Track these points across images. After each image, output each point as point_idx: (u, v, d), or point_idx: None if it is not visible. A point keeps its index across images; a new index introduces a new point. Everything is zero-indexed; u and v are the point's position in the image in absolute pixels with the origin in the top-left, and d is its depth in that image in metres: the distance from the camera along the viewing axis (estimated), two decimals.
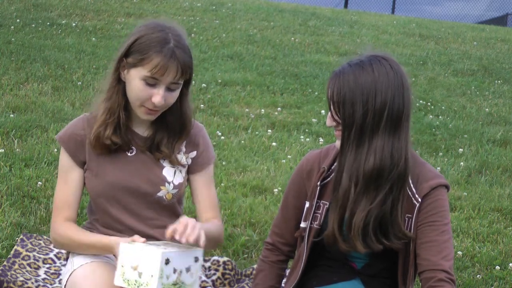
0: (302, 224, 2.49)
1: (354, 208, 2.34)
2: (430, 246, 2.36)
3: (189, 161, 2.67)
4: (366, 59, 2.35)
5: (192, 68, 2.51)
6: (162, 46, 2.43)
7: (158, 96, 2.44)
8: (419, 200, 2.38)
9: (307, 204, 2.48)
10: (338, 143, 2.39)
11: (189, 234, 2.25)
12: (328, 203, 2.45)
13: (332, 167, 2.47)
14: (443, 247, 2.36)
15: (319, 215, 2.46)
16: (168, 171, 2.61)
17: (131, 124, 2.59)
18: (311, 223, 2.46)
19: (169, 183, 2.61)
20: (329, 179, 2.46)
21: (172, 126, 2.58)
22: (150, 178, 2.59)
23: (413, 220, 2.38)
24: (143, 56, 2.42)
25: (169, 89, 2.47)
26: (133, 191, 2.58)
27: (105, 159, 2.56)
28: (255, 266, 3.25)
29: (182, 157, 2.65)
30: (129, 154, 2.58)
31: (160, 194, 2.60)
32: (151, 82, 2.44)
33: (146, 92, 2.44)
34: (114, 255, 2.48)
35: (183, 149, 2.65)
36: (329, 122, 2.38)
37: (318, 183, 2.45)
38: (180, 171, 2.64)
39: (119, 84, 2.51)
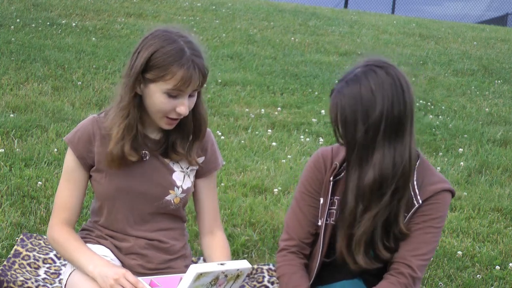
0: (320, 222, 2.49)
1: (360, 224, 2.34)
2: (408, 242, 2.39)
3: (197, 165, 2.67)
4: (361, 73, 2.31)
5: (208, 70, 2.50)
6: (180, 57, 2.40)
7: (183, 107, 2.43)
8: (420, 202, 2.39)
9: (321, 200, 2.48)
10: None
11: None
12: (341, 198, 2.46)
13: (344, 164, 2.47)
14: (419, 246, 2.38)
15: (334, 211, 2.46)
16: (177, 175, 2.61)
17: (145, 129, 2.56)
18: (326, 220, 2.46)
19: (178, 187, 2.61)
20: (340, 176, 2.47)
21: (185, 127, 2.56)
22: (160, 182, 2.58)
23: (407, 218, 2.39)
24: (165, 72, 2.39)
25: (189, 95, 2.46)
26: (141, 195, 2.57)
27: None
28: (255, 266, 3.25)
29: None
30: (143, 159, 2.56)
31: (168, 198, 2.60)
32: (174, 94, 2.42)
33: (169, 104, 2.43)
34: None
35: None
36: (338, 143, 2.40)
37: (331, 178, 2.46)
38: (189, 175, 2.64)
39: (135, 98, 2.47)
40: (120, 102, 2.48)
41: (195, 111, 2.54)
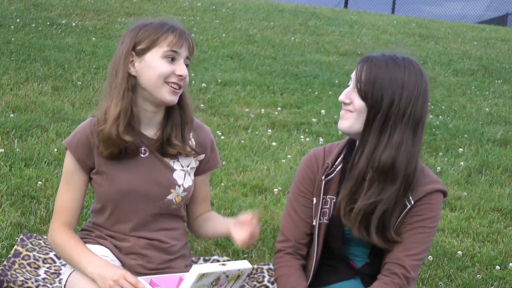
0: (314, 222, 2.49)
1: (363, 193, 2.36)
2: (401, 242, 2.40)
3: (197, 163, 2.68)
4: (400, 56, 2.40)
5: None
6: (163, 27, 2.50)
7: (182, 68, 2.50)
8: (412, 202, 2.40)
9: (314, 200, 2.49)
10: (342, 122, 2.40)
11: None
12: (334, 197, 2.46)
13: (336, 163, 2.49)
14: (412, 246, 2.39)
15: (327, 210, 2.47)
16: (178, 174, 2.61)
17: (140, 127, 2.57)
18: (320, 219, 2.47)
19: (179, 186, 2.61)
20: (333, 175, 2.48)
21: (174, 117, 2.58)
22: (161, 182, 2.59)
23: (399, 219, 2.40)
24: (155, 37, 2.48)
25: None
26: (143, 195, 2.57)
27: (116, 163, 2.55)
28: (255, 266, 3.25)
29: (191, 160, 2.66)
30: (142, 155, 2.57)
31: (170, 197, 2.60)
32: (171, 55, 2.49)
33: (169, 67, 2.48)
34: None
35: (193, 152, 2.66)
36: (344, 97, 2.39)
37: (323, 177, 2.47)
38: (190, 174, 2.65)
39: (130, 79, 2.51)
40: (112, 83, 2.52)
41: (180, 99, 2.57)
